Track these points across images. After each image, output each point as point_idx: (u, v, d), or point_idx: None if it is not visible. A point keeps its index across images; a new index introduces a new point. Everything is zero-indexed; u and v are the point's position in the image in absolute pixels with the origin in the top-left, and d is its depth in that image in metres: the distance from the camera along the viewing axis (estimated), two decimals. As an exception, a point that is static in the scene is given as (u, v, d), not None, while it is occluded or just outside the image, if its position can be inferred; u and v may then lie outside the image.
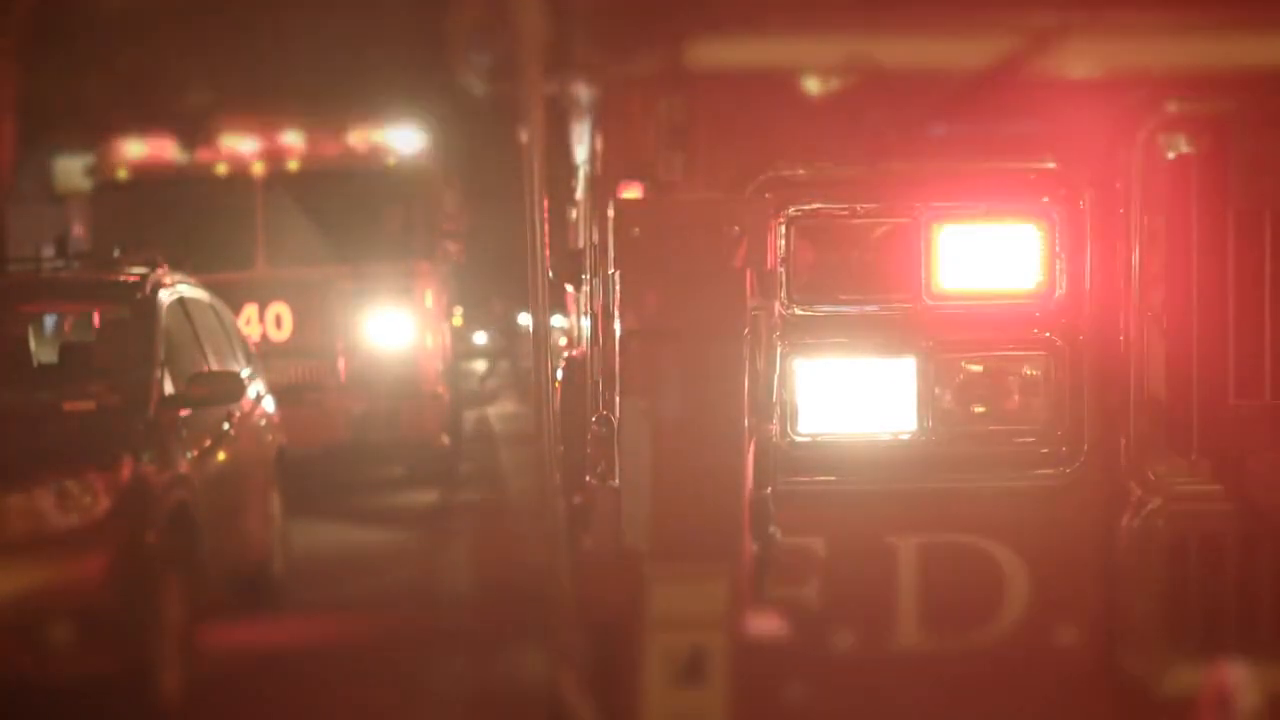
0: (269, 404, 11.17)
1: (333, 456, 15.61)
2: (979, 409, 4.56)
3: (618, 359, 4.27)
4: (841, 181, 4.43)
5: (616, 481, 4.25)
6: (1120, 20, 4.26)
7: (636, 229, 4.04)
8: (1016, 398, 4.56)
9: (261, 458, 10.61)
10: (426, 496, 16.23)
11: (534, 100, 4.05)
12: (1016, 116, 4.41)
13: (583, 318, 6.59)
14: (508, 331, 34.57)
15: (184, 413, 8.80)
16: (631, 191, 4.29)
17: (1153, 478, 4.50)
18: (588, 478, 4.66)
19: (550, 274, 5.69)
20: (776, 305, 4.42)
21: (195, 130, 15.89)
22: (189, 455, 8.70)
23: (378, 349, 15.78)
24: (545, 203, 4.35)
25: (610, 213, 4.28)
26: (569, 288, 7.53)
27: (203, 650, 8.50)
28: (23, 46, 16.83)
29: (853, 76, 4.23)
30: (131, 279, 9.64)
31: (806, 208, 4.44)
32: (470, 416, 24.51)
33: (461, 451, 18.59)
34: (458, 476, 17.65)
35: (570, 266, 6.64)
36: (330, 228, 15.85)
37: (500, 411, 28.84)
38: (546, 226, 4.39)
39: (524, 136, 4.15)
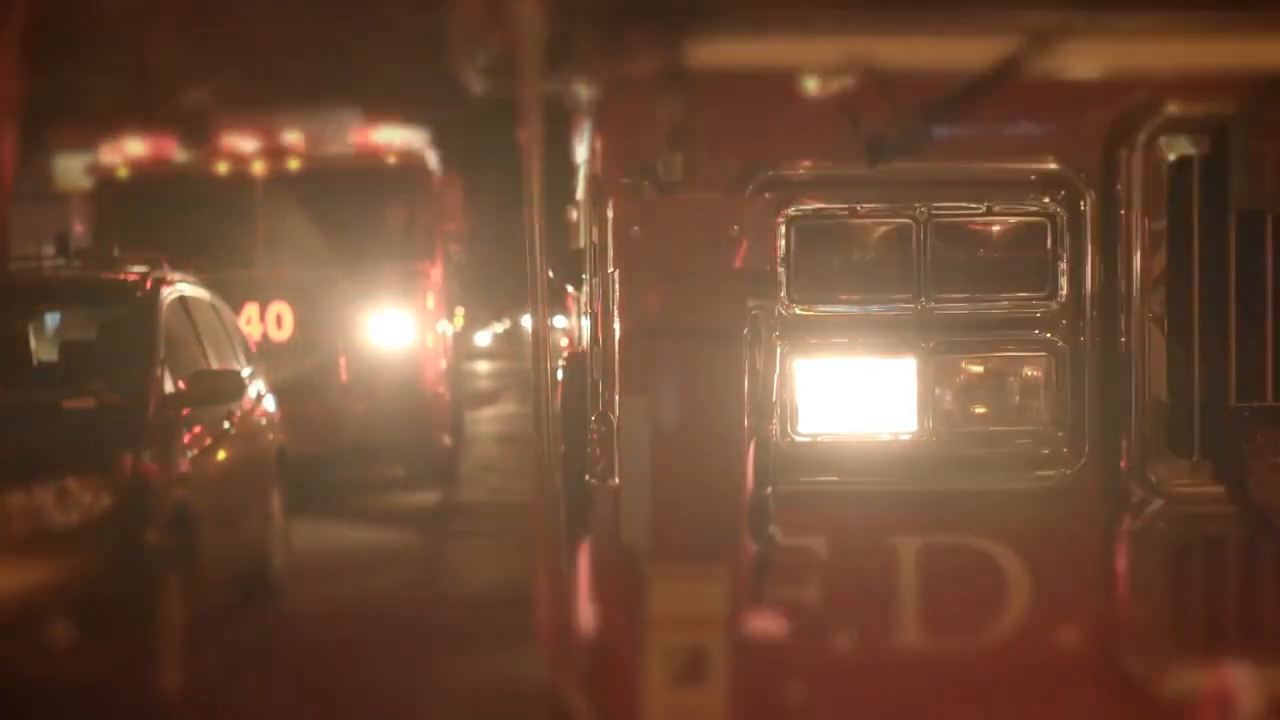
0: (269, 403, 11.17)
1: (333, 456, 15.61)
2: (980, 410, 4.54)
3: (617, 358, 4.27)
4: (841, 181, 4.42)
5: (616, 481, 4.24)
6: (1121, 21, 4.25)
7: (636, 228, 4.03)
8: (1017, 399, 4.55)
9: (262, 457, 10.61)
10: (427, 496, 16.21)
11: (533, 100, 4.05)
12: (1017, 117, 4.41)
13: (583, 318, 6.58)
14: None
15: (184, 411, 8.80)
16: (631, 191, 4.28)
17: (1154, 479, 4.49)
18: (588, 477, 4.65)
19: (550, 274, 5.69)
20: (776, 305, 4.41)
21: (196, 128, 15.90)
22: (189, 454, 8.70)
23: (379, 349, 15.78)
24: (544, 202, 4.34)
25: (610, 213, 4.27)
26: (569, 288, 7.52)
27: (203, 650, 8.49)
28: (23, 45, 16.82)
29: (853, 76, 4.22)
30: (132, 277, 9.65)
31: (806, 208, 4.43)
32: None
33: (462, 452, 18.58)
34: (458, 476, 17.64)
35: (570, 266, 6.63)
36: (331, 227, 15.85)
37: (501, 412, 28.81)
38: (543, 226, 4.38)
39: (523, 136, 4.15)
